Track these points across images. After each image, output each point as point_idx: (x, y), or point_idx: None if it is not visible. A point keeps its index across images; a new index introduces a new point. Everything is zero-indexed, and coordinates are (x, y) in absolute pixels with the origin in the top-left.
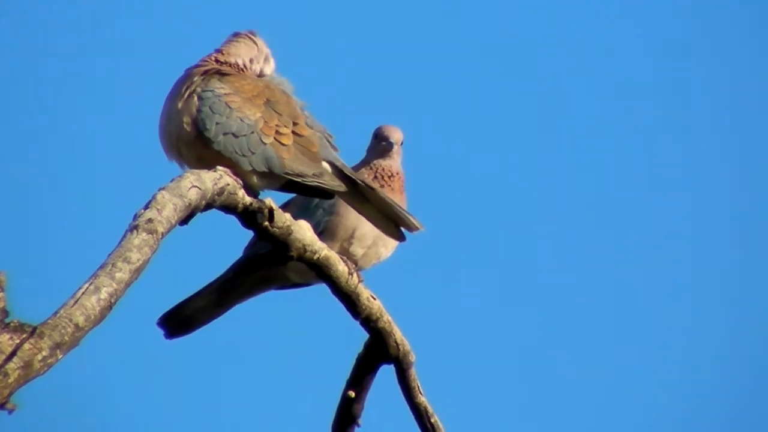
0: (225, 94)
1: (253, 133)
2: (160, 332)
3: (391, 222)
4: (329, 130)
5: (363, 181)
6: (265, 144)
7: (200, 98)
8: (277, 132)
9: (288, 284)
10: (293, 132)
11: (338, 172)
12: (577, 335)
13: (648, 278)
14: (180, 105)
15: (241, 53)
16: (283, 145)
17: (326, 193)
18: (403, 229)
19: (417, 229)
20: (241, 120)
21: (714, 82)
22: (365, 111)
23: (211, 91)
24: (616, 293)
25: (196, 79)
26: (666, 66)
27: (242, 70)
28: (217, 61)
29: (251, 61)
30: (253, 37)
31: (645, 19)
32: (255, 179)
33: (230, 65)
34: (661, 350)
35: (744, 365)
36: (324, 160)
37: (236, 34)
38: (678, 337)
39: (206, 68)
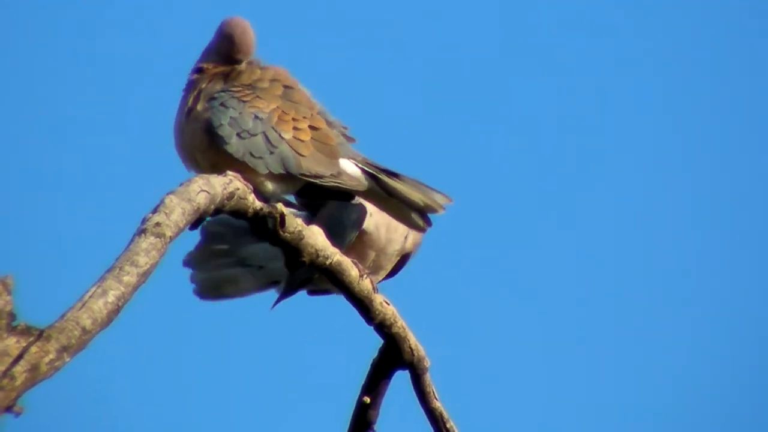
0: (237, 91)
1: (271, 129)
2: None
3: (416, 212)
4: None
5: (386, 170)
6: (284, 139)
7: (212, 98)
8: (295, 128)
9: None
10: (310, 126)
11: (360, 168)
12: (598, 339)
13: (665, 276)
14: (189, 111)
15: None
16: (302, 141)
17: (345, 195)
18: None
19: (442, 208)
20: (256, 116)
21: (717, 83)
22: (366, 108)
23: (223, 91)
24: (642, 294)
25: (202, 84)
26: (668, 65)
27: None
28: (204, 70)
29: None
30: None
31: (644, 17)
32: (269, 185)
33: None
34: (684, 350)
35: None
36: (344, 156)
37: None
38: (703, 334)
39: (212, 72)
